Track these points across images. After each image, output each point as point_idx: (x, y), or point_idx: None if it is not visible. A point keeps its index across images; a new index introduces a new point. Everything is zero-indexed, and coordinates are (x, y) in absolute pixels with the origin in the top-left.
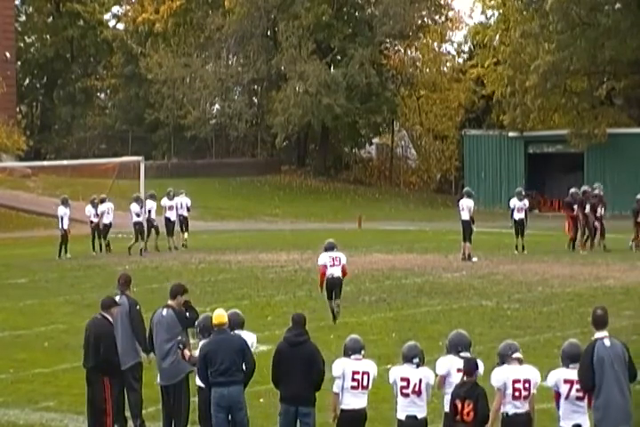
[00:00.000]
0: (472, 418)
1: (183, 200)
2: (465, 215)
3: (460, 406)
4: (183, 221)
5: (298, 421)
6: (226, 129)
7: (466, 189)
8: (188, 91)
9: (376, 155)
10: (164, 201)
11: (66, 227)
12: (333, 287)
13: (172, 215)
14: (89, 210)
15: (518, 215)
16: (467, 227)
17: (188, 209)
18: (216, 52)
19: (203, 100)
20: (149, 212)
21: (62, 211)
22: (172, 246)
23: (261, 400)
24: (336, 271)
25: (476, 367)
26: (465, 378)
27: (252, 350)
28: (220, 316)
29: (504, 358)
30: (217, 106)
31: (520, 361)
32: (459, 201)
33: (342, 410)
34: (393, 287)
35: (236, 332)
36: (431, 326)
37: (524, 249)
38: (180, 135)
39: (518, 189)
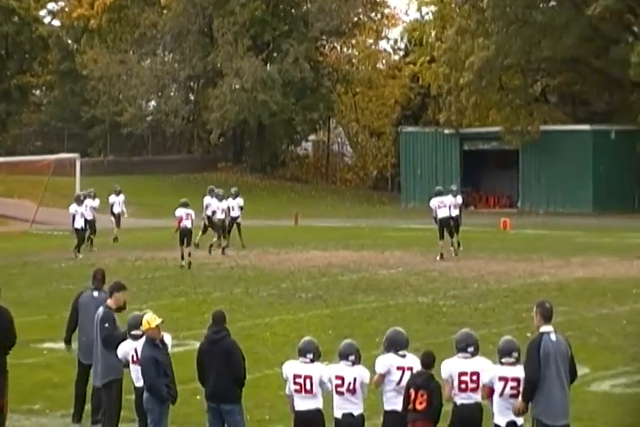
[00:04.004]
0: (424, 408)
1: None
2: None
3: (413, 395)
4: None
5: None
6: (162, 126)
7: (438, 188)
8: (124, 87)
9: (312, 152)
10: (211, 200)
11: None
12: (185, 234)
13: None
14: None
15: (454, 212)
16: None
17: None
18: (152, 48)
19: (139, 96)
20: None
21: (73, 208)
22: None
23: (198, 398)
24: (188, 224)
25: (434, 360)
26: (422, 369)
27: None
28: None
29: (456, 350)
30: (153, 102)
31: (472, 354)
32: (430, 200)
33: (295, 412)
34: (329, 284)
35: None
36: (367, 322)
37: (459, 246)
38: (116, 132)
39: (452, 186)
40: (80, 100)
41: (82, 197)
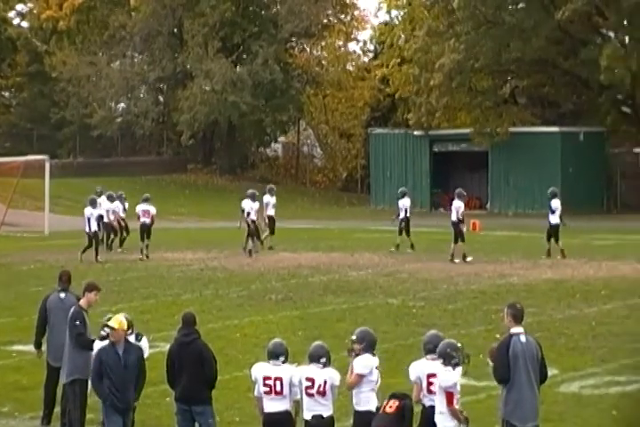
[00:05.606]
0: (394, 410)
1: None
2: (453, 216)
3: (386, 401)
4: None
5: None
6: (132, 127)
7: (458, 190)
8: (94, 89)
9: (282, 153)
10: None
11: (94, 229)
12: (144, 230)
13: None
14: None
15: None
16: (455, 228)
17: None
18: (121, 50)
19: (108, 98)
20: (249, 213)
21: (89, 211)
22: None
23: (167, 399)
24: (147, 220)
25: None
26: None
27: (146, 355)
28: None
29: (424, 351)
30: (122, 104)
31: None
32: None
33: (264, 414)
34: (299, 286)
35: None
36: (337, 324)
37: (412, 247)
38: (86, 134)
39: (401, 189)
40: (49, 102)
41: (97, 200)
